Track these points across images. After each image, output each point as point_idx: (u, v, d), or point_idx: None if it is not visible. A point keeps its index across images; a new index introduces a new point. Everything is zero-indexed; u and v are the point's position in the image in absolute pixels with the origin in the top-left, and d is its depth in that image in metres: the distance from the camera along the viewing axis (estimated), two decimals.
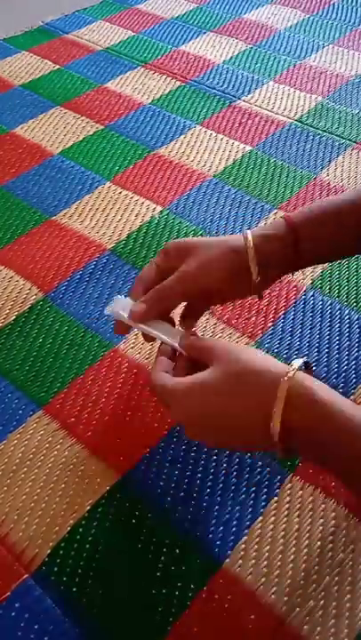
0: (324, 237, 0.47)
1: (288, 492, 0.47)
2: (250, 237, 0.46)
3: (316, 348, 0.57)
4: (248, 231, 0.47)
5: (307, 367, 0.39)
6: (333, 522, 0.45)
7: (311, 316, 0.60)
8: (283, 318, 0.60)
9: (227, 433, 0.39)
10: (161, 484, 0.48)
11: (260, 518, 0.46)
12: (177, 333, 0.46)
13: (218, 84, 0.96)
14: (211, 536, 0.45)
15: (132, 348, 0.58)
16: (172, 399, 0.40)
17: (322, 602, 0.41)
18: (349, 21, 1.12)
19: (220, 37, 1.08)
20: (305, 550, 0.44)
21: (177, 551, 0.44)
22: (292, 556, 0.44)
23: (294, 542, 0.44)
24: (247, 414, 0.37)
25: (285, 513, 0.46)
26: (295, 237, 0.46)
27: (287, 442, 0.36)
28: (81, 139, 0.85)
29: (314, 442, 0.35)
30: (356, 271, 0.65)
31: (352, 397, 0.53)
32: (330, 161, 0.80)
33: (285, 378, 0.36)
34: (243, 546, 0.44)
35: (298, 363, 0.37)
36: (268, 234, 0.46)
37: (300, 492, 0.47)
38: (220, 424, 0.39)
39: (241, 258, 0.46)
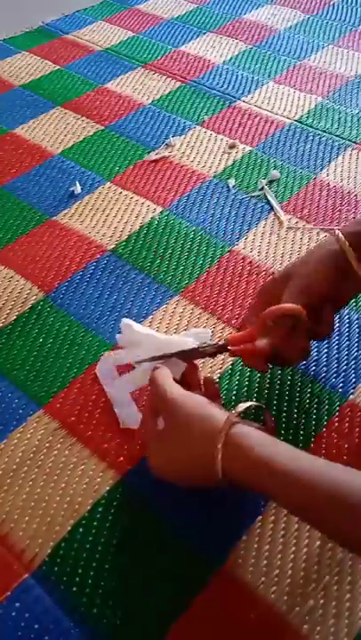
0: None
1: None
2: (342, 237, 0.48)
3: (316, 347, 0.57)
4: (338, 231, 0.48)
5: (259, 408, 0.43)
6: None
7: None
8: None
9: (183, 472, 0.43)
10: (161, 483, 0.48)
11: (260, 518, 0.46)
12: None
13: (218, 84, 0.96)
14: (210, 536, 0.45)
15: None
16: (146, 444, 0.46)
17: (322, 601, 0.41)
18: (349, 21, 1.12)
19: (220, 38, 1.08)
20: (305, 550, 0.44)
21: (177, 551, 0.44)
22: (292, 556, 0.44)
23: (294, 542, 0.44)
24: (196, 461, 0.41)
25: (285, 513, 0.46)
26: None
27: (230, 478, 0.39)
28: (81, 139, 0.85)
29: (247, 482, 0.39)
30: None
31: (352, 397, 0.53)
32: (330, 161, 0.80)
33: (222, 434, 0.39)
34: (243, 545, 0.44)
35: (240, 408, 0.42)
36: (355, 230, 0.48)
37: None
38: (176, 467, 0.43)
39: (340, 259, 0.48)
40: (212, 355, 0.50)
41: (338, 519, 0.35)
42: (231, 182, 0.76)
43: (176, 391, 0.44)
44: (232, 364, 0.56)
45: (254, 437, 0.39)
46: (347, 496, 0.35)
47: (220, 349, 0.49)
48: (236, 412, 0.42)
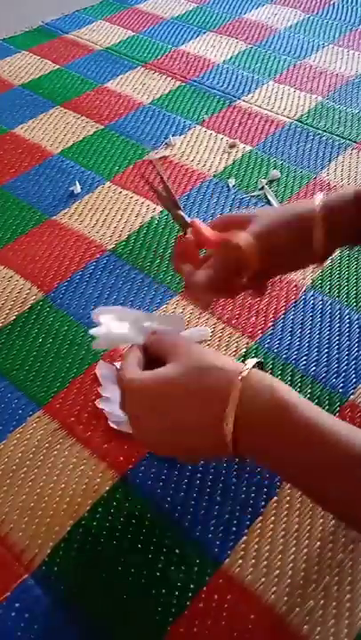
0: None
1: (288, 491, 0.47)
2: (318, 202, 0.45)
3: (316, 348, 0.57)
4: (317, 196, 0.45)
5: (260, 369, 0.36)
6: (333, 522, 0.45)
7: (311, 316, 0.60)
8: (283, 318, 0.60)
9: (175, 431, 0.36)
10: (161, 483, 0.48)
11: (260, 518, 0.46)
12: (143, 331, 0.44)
13: (218, 83, 0.95)
14: (210, 536, 0.45)
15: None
16: (126, 390, 0.38)
17: (322, 602, 0.41)
18: (349, 21, 1.12)
19: (220, 37, 1.08)
20: (305, 550, 0.44)
21: (177, 551, 0.44)
22: (292, 556, 0.44)
23: (294, 542, 0.44)
24: (200, 412, 0.35)
25: (285, 513, 0.46)
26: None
27: (239, 444, 0.34)
28: (81, 138, 0.85)
29: (269, 443, 0.33)
30: (356, 271, 0.65)
31: (352, 397, 0.53)
32: (330, 161, 0.80)
33: (239, 377, 0.34)
34: (242, 546, 0.44)
35: (252, 362, 0.35)
36: (335, 200, 0.45)
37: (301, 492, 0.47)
38: (168, 421, 0.36)
39: (306, 222, 0.44)
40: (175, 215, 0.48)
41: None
42: (231, 182, 0.76)
43: (190, 343, 0.39)
44: None
45: (279, 384, 0.34)
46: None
47: (183, 225, 0.47)
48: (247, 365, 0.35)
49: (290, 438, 0.33)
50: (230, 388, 0.33)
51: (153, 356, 0.40)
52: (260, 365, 0.36)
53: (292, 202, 0.74)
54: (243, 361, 0.53)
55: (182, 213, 0.48)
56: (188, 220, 0.47)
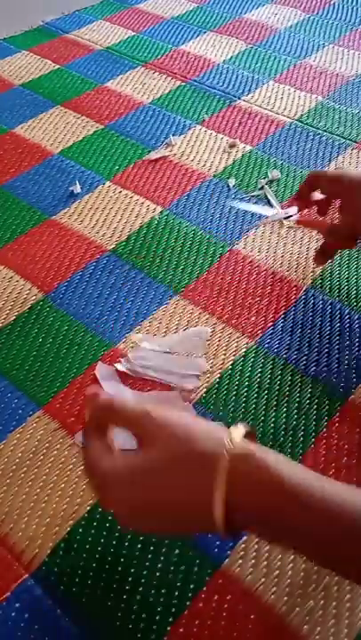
0: None
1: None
2: None
3: (317, 347, 0.57)
4: None
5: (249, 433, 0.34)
6: None
7: (311, 316, 0.60)
8: (283, 318, 0.60)
9: (165, 520, 0.34)
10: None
11: None
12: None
13: (218, 83, 0.95)
14: (210, 536, 0.45)
15: (131, 347, 0.58)
16: (101, 486, 0.35)
17: (322, 602, 0.41)
18: (350, 21, 1.12)
19: (221, 37, 1.08)
20: None
21: (176, 551, 0.44)
22: (292, 556, 0.44)
23: None
24: (186, 500, 0.32)
25: None
26: None
27: (233, 525, 0.31)
28: (81, 138, 0.85)
29: (265, 522, 0.31)
30: (356, 271, 0.65)
31: (352, 397, 0.53)
32: (330, 161, 0.80)
33: (225, 453, 0.31)
34: (242, 546, 0.44)
35: (237, 432, 0.32)
36: None
37: None
38: (157, 511, 0.33)
39: None
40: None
41: None
42: (231, 182, 0.76)
43: (170, 412, 0.35)
44: (232, 364, 0.56)
45: (271, 456, 0.31)
46: None
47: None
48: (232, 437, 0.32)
49: (305, 524, 0.30)
50: (218, 467, 0.30)
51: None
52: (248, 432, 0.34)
53: (292, 202, 0.74)
54: (243, 360, 0.53)
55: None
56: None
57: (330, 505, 0.29)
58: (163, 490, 0.32)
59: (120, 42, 1.07)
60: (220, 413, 0.52)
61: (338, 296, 0.62)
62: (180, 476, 0.32)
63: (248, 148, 0.82)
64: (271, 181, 0.77)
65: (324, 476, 0.32)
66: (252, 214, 0.72)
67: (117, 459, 0.35)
